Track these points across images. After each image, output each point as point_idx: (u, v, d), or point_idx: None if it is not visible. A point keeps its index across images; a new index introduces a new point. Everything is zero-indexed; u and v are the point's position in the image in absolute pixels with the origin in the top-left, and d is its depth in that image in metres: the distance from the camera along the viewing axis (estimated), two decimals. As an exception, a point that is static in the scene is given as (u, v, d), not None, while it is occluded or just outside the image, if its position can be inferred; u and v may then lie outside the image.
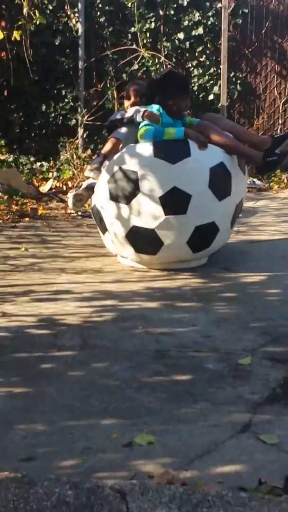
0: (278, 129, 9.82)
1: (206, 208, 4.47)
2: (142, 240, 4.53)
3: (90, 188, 4.80)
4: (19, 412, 2.59)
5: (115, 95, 9.38)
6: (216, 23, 9.48)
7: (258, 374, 2.96)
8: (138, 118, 4.67)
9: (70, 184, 8.37)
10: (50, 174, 8.82)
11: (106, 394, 2.75)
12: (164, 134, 4.43)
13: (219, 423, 2.52)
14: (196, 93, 9.62)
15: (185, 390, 2.81)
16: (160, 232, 4.45)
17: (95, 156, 5.21)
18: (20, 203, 7.33)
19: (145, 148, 4.43)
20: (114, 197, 4.51)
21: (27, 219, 6.67)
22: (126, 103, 5.08)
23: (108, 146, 4.74)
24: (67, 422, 2.52)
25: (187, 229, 4.49)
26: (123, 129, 4.78)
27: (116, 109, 9.13)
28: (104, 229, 4.74)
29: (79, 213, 6.87)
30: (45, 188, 8.15)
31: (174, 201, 4.40)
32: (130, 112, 4.80)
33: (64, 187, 8.27)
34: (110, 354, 3.19)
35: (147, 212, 4.42)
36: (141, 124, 4.58)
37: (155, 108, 4.66)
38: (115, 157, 4.57)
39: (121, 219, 4.53)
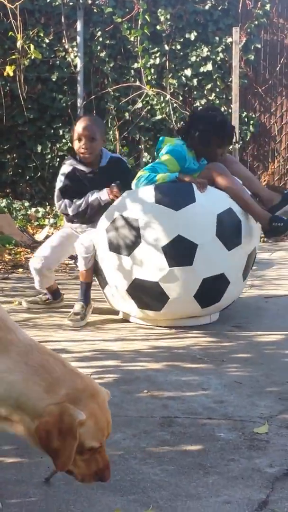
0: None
1: (214, 258, 4.49)
2: (146, 294, 4.54)
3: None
4: (11, 484, 2.57)
5: (117, 136, 9.49)
6: (226, 59, 9.66)
7: (276, 445, 2.94)
8: (104, 197, 4.79)
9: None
10: (46, 221, 8.89)
11: (108, 466, 2.73)
12: (156, 177, 4.51)
13: (233, 499, 2.50)
14: (205, 133, 9.72)
15: (195, 461, 2.79)
16: (165, 285, 4.46)
17: None
18: (13, 252, 7.36)
19: (147, 193, 4.47)
20: (114, 248, 4.54)
21: (20, 270, 6.70)
22: (77, 144, 4.94)
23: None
24: (64, 495, 2.50)
25: (194, 281, 4.50)
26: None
27: (118, 150, 9.23)
28: (104, 283, 4.76)
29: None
30: (40, 236, 8.19)
31: (179, 251, 4.41)
32: (92, 196, 4.84)
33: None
34: (111, 420, 3.17)
35: (150, 264, 4.44)
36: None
37: (178, 143, 4.71)
38: (115, 203, 4.63)
39: (122, 271, 4.55)
